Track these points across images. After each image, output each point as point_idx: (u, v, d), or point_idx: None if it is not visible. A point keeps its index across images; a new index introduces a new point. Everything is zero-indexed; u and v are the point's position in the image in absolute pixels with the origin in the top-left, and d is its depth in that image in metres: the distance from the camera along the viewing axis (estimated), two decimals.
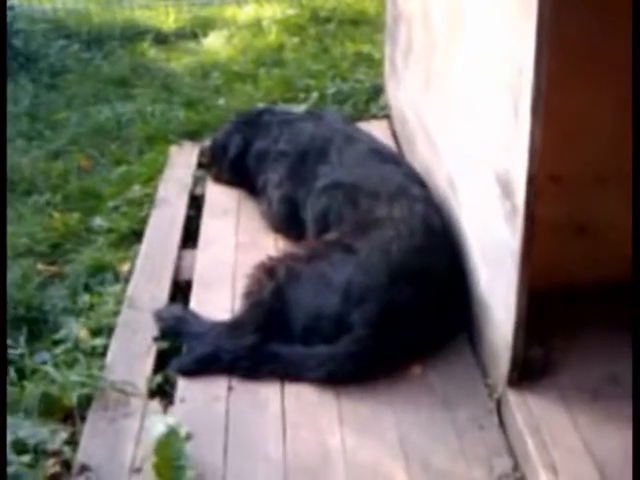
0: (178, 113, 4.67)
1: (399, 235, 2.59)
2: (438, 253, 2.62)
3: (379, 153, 3.13)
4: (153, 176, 3.94)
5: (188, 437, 2.05)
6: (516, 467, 2.12)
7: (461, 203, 2.69)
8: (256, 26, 6.17)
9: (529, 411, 2.16)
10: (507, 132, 2.11)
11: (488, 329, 2.40)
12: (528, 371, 2.23)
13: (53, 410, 2.31)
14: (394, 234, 2.60)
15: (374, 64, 5.06)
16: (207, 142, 4.12)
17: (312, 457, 2.16)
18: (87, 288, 3.11)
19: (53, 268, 3.27)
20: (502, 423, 2.26)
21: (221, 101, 4.86)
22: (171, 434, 1.93)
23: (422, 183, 2.95)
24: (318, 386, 2.41)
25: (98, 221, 3.59)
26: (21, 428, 2.17)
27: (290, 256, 2.75)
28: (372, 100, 4.60)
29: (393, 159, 3.16)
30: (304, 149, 3.22)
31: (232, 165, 3.56)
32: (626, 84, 2.01)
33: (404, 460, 2.16)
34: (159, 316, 2.71)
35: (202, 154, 4.02)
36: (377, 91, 4.64)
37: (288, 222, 3.19)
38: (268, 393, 2.40)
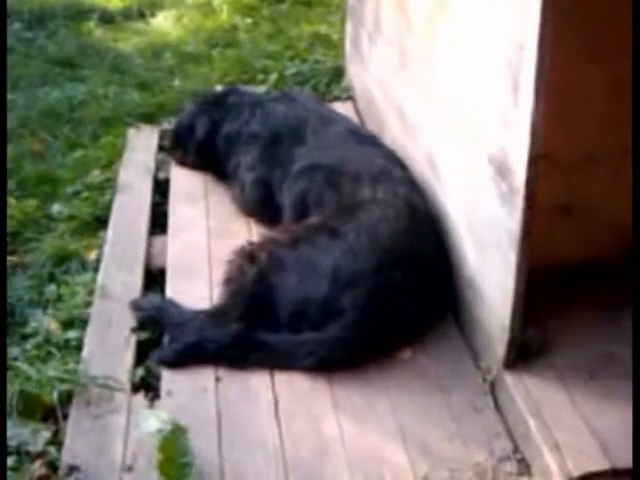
0: (132, 95, 4.50)
1: (386, 218, 2.54)
2: (424, 235, 2.59)
3: (356, 134, 3.07)
4: (112, 160, 3.79)
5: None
6: (516, 449, 2.10)
7: (444, 183, 2.65)
8: (206, 6, 5.99)
9: (527, 392, 2.15)
10: (504, 111, 2.07)
11: (480, 311, 2.38)
12: (524, 353, 2.21)
13: (32, 409, 2.18)
14: (380, 217, 2.54)
15: (332, 45, 4.98)
16: (167, 124, 3.99)
17: (310, 446, 2.11)
18: (52, 278, 2.98)
19: (14, 258, 3.10)
20: (497, 405, 2.25)
21: (176, 82, 4.71)
22: (175, 430, 1.83)
23: (402, 165, 2.90)
24: (309, 373, 2.34)
25: (57, 207, 3.44)
26: None
27: (271, 241, 2.66)
28: (333, 82, 4.51)
29: (371, 140, 3.09)
30: (277, 131, 3.12)
31: (199, 148, 3.43)
32: (619, 63, 2.00)
33: (403, 445, 2.12)
34: (137, 306, 2.60)
35: (164, 137, 3.87)
36: (338, 72, 4.55)
37: (262, 205, 3.10)
38: (258, 382, 2.33)
